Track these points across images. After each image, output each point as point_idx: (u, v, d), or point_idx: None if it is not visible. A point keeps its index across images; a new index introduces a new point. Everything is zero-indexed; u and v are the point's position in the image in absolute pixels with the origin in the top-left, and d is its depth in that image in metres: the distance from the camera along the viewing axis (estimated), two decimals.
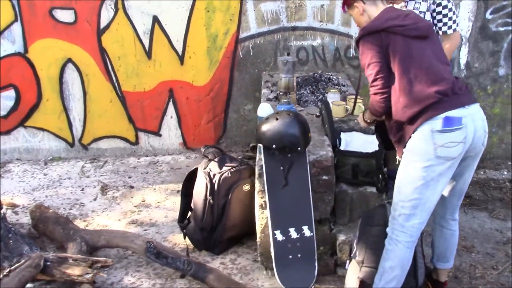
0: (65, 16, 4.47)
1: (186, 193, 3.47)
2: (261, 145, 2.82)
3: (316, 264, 2.89)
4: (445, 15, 3.24)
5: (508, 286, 3.05)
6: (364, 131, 3.33)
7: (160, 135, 4.88)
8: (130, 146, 4.90)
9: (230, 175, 3.18)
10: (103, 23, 4.51)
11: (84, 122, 4.80)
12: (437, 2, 3.20)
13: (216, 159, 3.33)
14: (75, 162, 4.84)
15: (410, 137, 2.40)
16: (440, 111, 2.31)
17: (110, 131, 4.85)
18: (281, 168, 2.80)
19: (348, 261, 2.89)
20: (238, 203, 3.19)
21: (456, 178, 2.49)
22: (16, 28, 4.49)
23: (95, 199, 4.11)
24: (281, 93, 3.30)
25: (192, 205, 3.36)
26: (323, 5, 4.47)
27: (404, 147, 2.45)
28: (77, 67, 4.61)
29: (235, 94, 4.77)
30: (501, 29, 4.48)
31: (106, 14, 4.49)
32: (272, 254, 2.85)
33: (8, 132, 4.80)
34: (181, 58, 4.63)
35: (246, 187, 3.22)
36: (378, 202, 3.10)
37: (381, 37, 2.37)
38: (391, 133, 2.58)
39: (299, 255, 2.87)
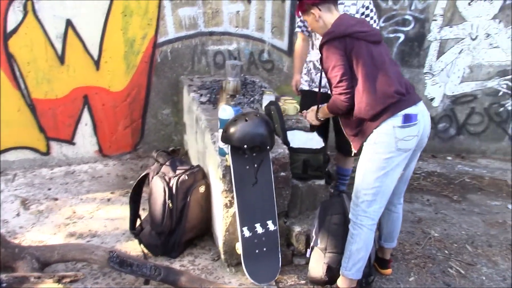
0: None
1: (135, 199, 3.44)
2: (227, 145, 2.92)
3: (280, 256, 3.08)
4: (371, 17, 3.64)
5: (432, 258, 3.52)
6: (303, 129, 3.59)
7: (74, 144, 4.67)
8: (40, 157, 4.61)
9: (187, 178, 3.23)
10: (10, 27, 4.19)
11: None
12: (366, 5, 3.59)
13: (167, 163, 3.35)
14: None
15: (371, 132, 2.71)
16: (400, 109, 2.65)
17: (18, 142, 4.52)
18: (247, 167, 2.94)
19: (309, 249, 3.13)
20: (196, 205, 3.26)
21: (404, 168, 2.85)
22: None
23: (18, 215, 3.83)
24: (228, 96, 3.43)
25: (141, 210, 3.34)
26: (239, 11, 4.67)
27: (364, 141, 2.75)
28: None
29: (153, 99, 4.75)
30: (391, 35, 5.07)
31: (14, 17, 4.18)
32: (240, 251, 2.97)
33: None
34: (97, 63, 4.49)
35: (202, 189, 3.29)
36: (325, 193, 3.39)
37: (346, 42, 2.63)
38: (347, 127, 2.85)
39: (264, 249, 3.02)
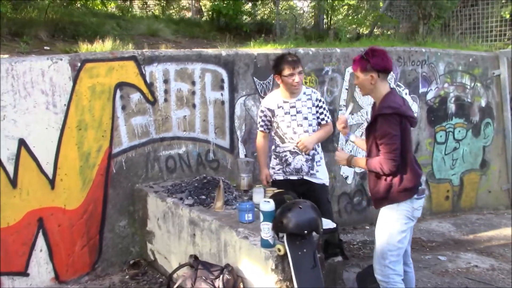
0: None
1: None
2: (281, 234, 3.07)
3: None
4: (324, 108, 4.22)
5: None
6: None
7: (27, 275, 4.15)
8: None
9: (229, 276, 3.23)
10: None
11: None
12: (319, 99, 4.20)
13: (200, 266, 3.31)
14: None
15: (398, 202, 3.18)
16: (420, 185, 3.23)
17: None
18: (300, 253, 3.10)
19: None
20: None
21: None
22: None
23: None
24: (241, 192, 3.57)
25: None
26: (185, 116, 4.86)
27: (386, 204, 3.22)
28: None
29: (110, 212, 4.54)
30: None
31: None
32: None
33: None
34: (52, 182, 4.20)
35: (241, 286, 3.31)
36: (343, 269, 3.68)
37: (402, 120, 3.12)
38: (376, 187, 3.28)
39: None
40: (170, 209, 4.15)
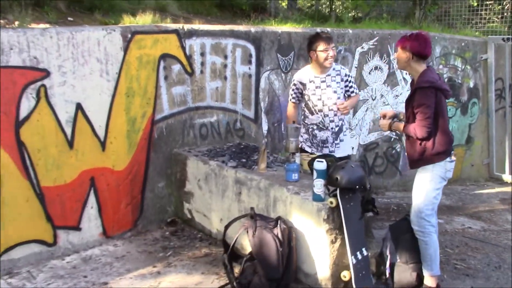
0: None
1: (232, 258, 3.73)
2: (335, 188, 3.56)
3: (371, 276, 3.77)
4: (352, 82, 4.74)
5: None
6: None
7: (80, 229, 4.51)
8: (46, 249, 4.33)
9: (285, 226, 3.71)
10: (22, 114, 4.06)
11: None
12: (347, 74, 4.71)
13: (257, 218, 3.77)
14: None
15: (432, 163, 3.70)
16: (451, 149, 3.75)
17: (24, 236, 4.19)
18: (348, 206, 3.61)
19: (387, 267, 3.88)
20: (295, 250, 3.73)
21: None
22: None
23: None
24: (291, 154, 4.06)
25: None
26: (218, 87, 5.26)
27: (420, 166, 3.74)
28: None
29: (151, 174, 4.92)
30: None
31: (27, 103, 4.07)
32: (353, 275, 3.58)
33: None
34: (103, 144, 4.54)
35: (294, 235, 3.79)
36: (374, 222, 4.21)
37: (437, 93, 3.61)
38: (411, 149, 3.77)
39: (363, 272, 3.69)
40: (213, 171, 4.57)
